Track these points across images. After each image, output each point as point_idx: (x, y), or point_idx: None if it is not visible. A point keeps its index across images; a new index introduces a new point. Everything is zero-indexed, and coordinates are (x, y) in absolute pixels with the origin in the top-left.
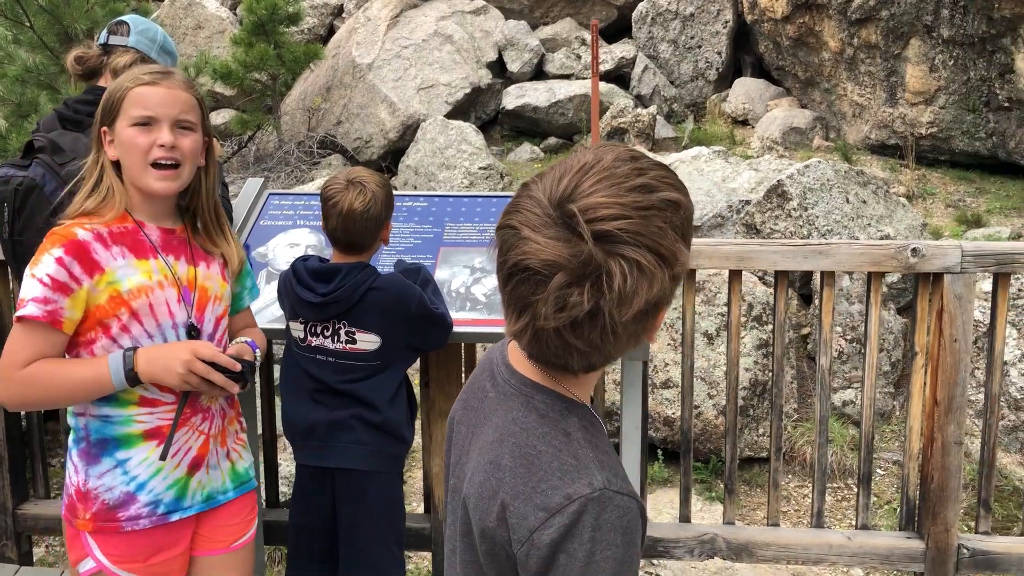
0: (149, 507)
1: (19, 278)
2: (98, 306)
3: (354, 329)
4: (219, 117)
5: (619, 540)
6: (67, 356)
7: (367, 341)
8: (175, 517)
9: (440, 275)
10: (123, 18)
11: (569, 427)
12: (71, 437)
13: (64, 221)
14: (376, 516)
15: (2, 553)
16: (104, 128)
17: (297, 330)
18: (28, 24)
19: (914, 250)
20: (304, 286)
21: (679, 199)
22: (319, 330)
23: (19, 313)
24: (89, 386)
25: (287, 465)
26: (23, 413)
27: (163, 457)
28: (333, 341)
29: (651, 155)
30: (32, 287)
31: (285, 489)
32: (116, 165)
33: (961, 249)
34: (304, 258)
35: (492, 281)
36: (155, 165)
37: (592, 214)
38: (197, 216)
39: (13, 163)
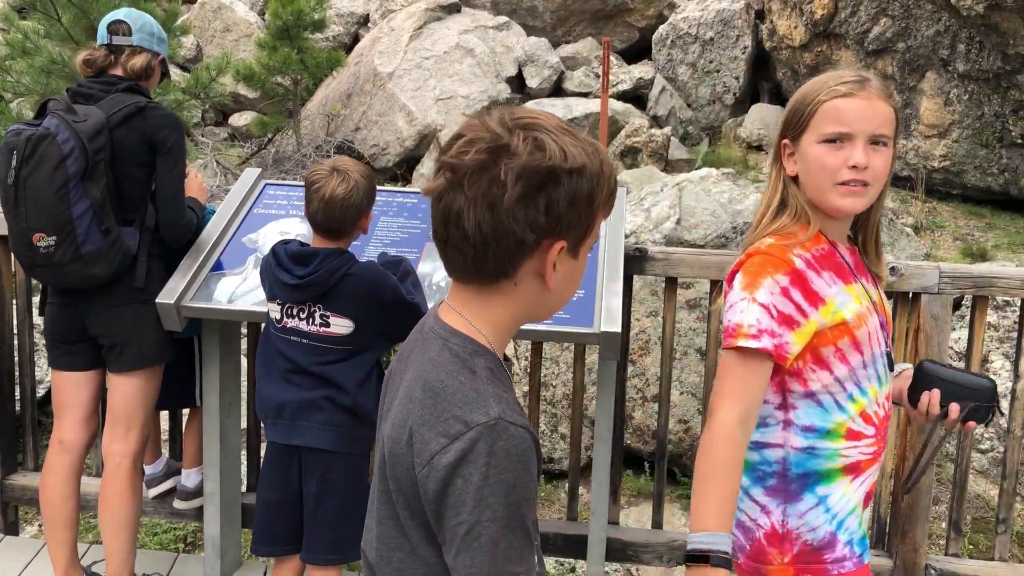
0: (848, 546)
1: (13, 232)
2: (820, 335)
3: (328, 313)
4: (241, 119)
5: (512, 466)
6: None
7: (341, 325)
8: (867, 558)
9: (423, 268)
10: (118, 16)
11: (475, 366)
12: (747, 475)
13: (756, 241)
14: (341, 496)
15: None
16: (786, 141)
17: (274, 311)
18: (57, 18)
19: (892, 268)
20: (283, 268)
21: (596, 163)
22: (295, 312)
23: (745, 344)
24: None
25: None
26: (17, 390)
27: (907, 491)
28: (308, 323)
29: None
30: (756, 314)
31: None
32: (792, 179)
33: (939, 270)
34: (285, 241)
35: None
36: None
37: (521, 113)
38: (864, 234)
39: (25, 123)
